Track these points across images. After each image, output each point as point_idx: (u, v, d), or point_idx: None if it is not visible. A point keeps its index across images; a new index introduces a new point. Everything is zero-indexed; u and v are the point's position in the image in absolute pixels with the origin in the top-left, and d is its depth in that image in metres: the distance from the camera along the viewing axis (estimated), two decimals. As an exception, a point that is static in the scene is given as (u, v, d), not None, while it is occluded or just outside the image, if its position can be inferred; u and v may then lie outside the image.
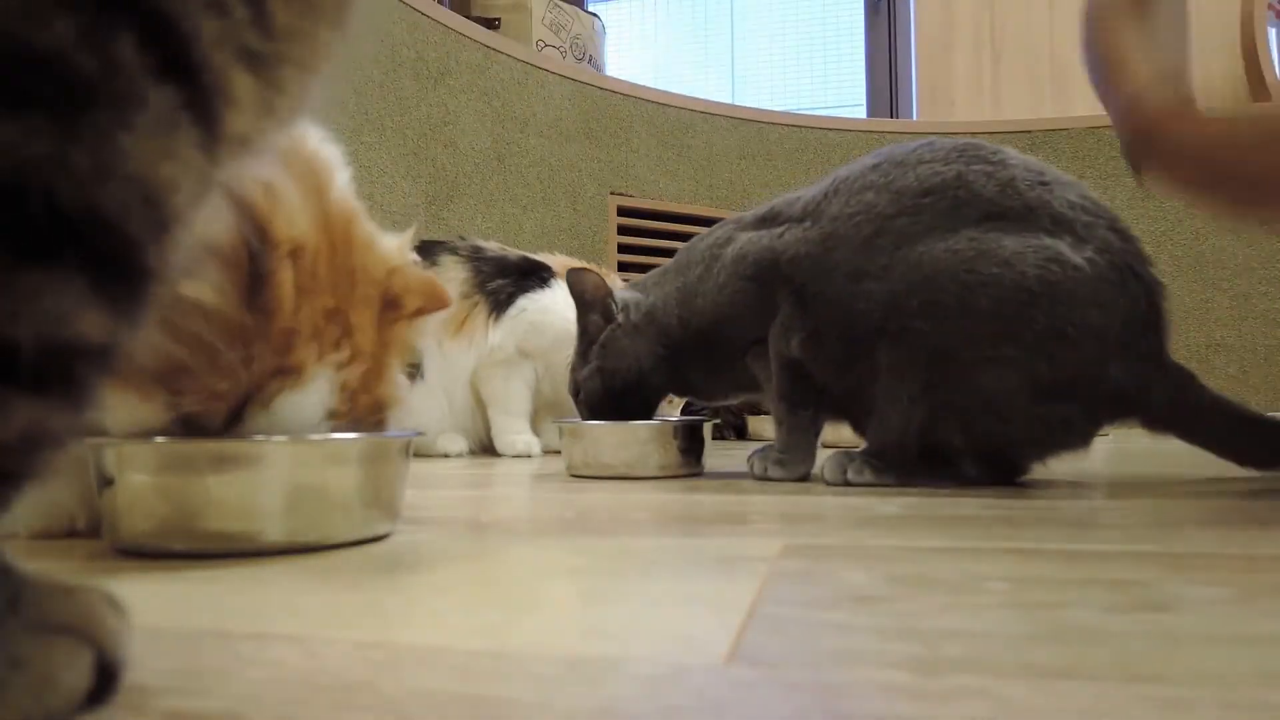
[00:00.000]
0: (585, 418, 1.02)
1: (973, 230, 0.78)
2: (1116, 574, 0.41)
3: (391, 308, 0.55)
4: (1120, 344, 0.76)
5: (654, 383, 1.00)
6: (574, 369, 1.04)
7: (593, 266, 1.04)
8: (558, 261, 1.51)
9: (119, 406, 0.46)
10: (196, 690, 0.26)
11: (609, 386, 0.99)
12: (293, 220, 0.48)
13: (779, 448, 0.91)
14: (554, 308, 1.42)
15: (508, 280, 1.45)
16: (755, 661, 0.28)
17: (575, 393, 1.04)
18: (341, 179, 0.57)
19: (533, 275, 1.46)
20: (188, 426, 0.47)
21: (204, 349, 0.46)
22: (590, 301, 1.02)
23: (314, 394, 0.50)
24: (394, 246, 0.58)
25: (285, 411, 0.49)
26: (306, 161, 0.55)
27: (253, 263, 0.46)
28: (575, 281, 1.03)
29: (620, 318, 1.00)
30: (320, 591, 0.39)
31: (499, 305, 1.43)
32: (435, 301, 0.58)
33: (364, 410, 0.53)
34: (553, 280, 1.46)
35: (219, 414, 0.47)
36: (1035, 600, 0.36)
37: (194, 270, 0.46)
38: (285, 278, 0.47)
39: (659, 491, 0.81)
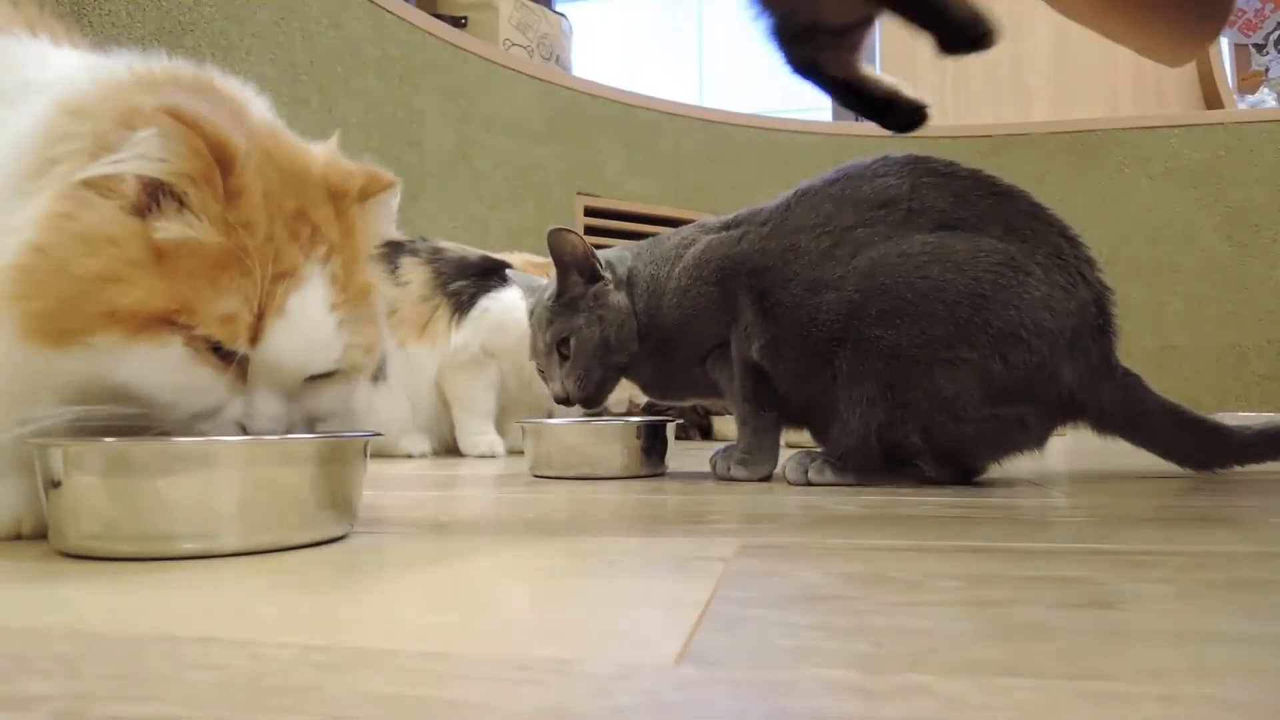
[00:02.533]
0: (554, 372, 0.97)
1: (926, 235, 0.79)
2: (1066, 571, 0.42)
3: (339, 197, 0.56)
4: (1071, 347, 0.77)
5: (633, 348, 0.95)
6: (543, 326, 0.97)
7: (571, 228, 1.00)
8: (519, 260, 1.50)
9: (139, 360, 0.47)
10: (137, 696, 0.26)
11: (605, 337, 0.94)
12: (237, 134, 0.49)
13: (742, 448, 0.91)
14: (517, 306, 1.42)
15: (469, 281, 1.44)
16: (705, 661, 0.28)
17: (550, 348, 0.97)
18: (256, 104, 0.58)
19: (493, 275, 1.45)
20: (214, 361, 0.48)
21: (201, 277, 0.47)
22: (570, 261, 0.96)
23: (315, 289, 0.51)
24: (322, 150, 0.59)
25: (298, 312, 0.50)
26: (218, 91, 0.56)
27: (225, 178, 0.48)
28: (555, 241, 0.96)
29: (607, 274, 0.96)
30: (271, 594, 0.39)
31: (461, 306, 1.42)
32: (376, 181, 0.59)
33: (356, 297, 0.55)
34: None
35: (241, 333, 0.48)
36: (985, 598, 0.37)
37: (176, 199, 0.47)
38: (255, 187, 0.49)
39: (621, 492, 0.81)
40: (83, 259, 0.45)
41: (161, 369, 0.47)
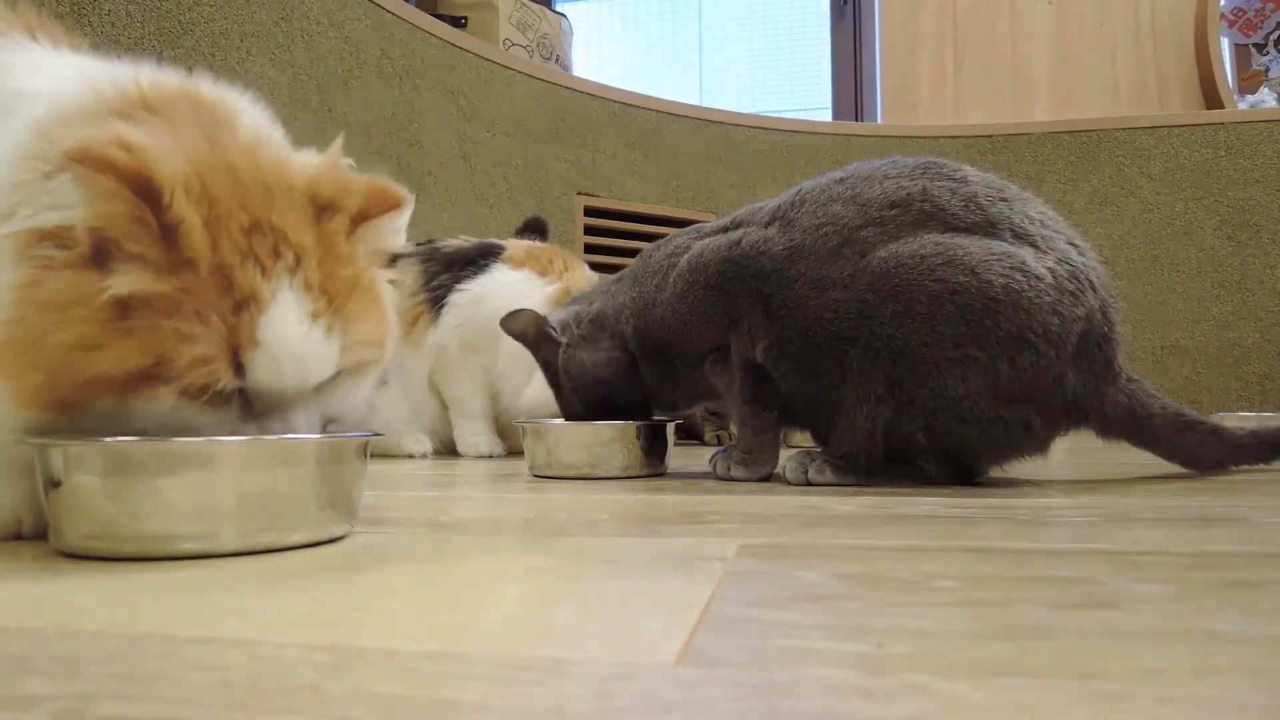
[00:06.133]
0: None
1: (938, 236, 0.79)
2: (1065, 572, 0.42)
3: (329, 210, 0.53)
4: (1077, 352, 0.77)
5: (626, 388, 0.99)
6: (557, 400, 1.05)
7: (519, 308, 1.03)
8: (513, 246, 1.45)
9: (142, 414, 0.47)
10: (137, 696, 0.26)
11: (589, 401, 0.99)
12: (166, 159, 0.47)
13: (742, 448, 0.91)
14: (488, 295, 1.35)
15: (448, 275, 1.40)
16: (705, 661, 0.28)
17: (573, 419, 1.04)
18: (248, 114, 0.56)
19: (471, 264, 1.40)
20: (213, 400, 0.48)
21: (164, 326, 0.46)
22: (533, 338, 1.02)
23: (286, 306, 0.49)
24: (315, 161, 0.56)
25: (273, 336, 0.48)
26: (202, 106, 0.53)
27: (157, 214, 0.46)
28: (511, 325, 1.03)
29: (564, 338, 1.00)
30: (271, 594, 0.39)
31: (434, 304, 1.39)
32: (381, 201, 0.55)
33: (343, 293, 0.52)
34: (493, 264, 1.39)
35: (222, 373, 0.47)
36: (984, 598, 0.37)
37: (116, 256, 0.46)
38: (191, 218, 0.46)
39: (621, 492, 0.81)
40: (55, 331, 0.44)
41: (164, 418, 0.47)
